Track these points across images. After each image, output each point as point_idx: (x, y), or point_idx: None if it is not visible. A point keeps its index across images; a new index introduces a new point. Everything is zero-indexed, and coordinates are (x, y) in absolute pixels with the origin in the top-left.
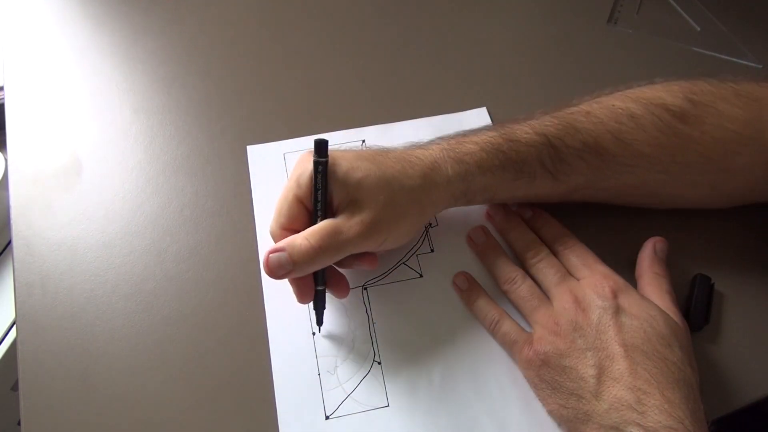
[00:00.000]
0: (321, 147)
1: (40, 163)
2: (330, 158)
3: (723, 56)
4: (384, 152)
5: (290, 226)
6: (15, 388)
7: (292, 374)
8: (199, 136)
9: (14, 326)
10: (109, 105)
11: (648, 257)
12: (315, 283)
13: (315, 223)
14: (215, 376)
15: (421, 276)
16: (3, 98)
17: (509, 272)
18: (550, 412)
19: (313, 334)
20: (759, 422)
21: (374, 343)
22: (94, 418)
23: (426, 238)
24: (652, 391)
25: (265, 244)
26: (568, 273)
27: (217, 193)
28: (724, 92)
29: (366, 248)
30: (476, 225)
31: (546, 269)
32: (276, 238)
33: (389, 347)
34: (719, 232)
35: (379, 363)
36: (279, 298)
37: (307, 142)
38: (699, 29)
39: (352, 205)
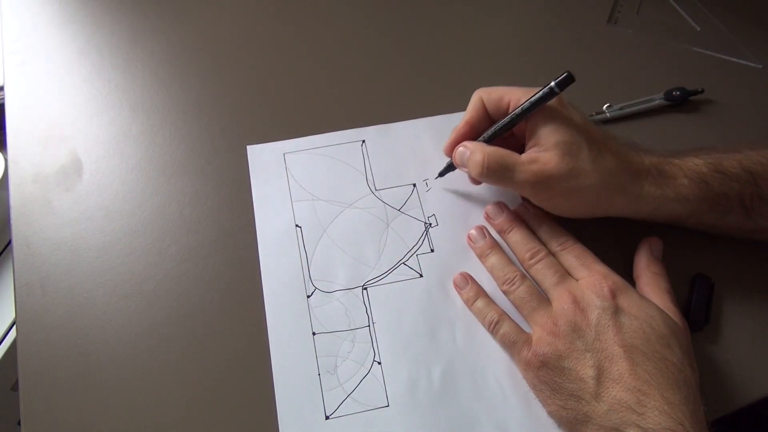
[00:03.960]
0: (567, 81)
1: (40, 163)
2: (560, 100)
3: (723, 56)
4: (606, 139)
5: (470, 120)
6: (15, 388)
7: (292, 374)
8: (199, 136)
9: (14, 326)
10: (109, 105)
11: (645, 257)
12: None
13: (493, 132)
14: (215, 376)
15: (421, 276)
16: (3, 98)
17: (508, 273)
18: (550, 413)
19: (314, 334)
20: (759, 424)
21: (374, 343)
22: (94, 418)
23: (426, 238)
24: (652, 392)
25: (265, 244)
26: (567, 273)
27: (217, 193)
28: None
29: (526, 195)
30: (476, 225)
31: (545, 270)
32: (456, 128)
33: (389, 347)
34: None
35: (379, 363)
36: (279, 298)
37: (307, 142)
38: (699, 29)
39: (541, 152)
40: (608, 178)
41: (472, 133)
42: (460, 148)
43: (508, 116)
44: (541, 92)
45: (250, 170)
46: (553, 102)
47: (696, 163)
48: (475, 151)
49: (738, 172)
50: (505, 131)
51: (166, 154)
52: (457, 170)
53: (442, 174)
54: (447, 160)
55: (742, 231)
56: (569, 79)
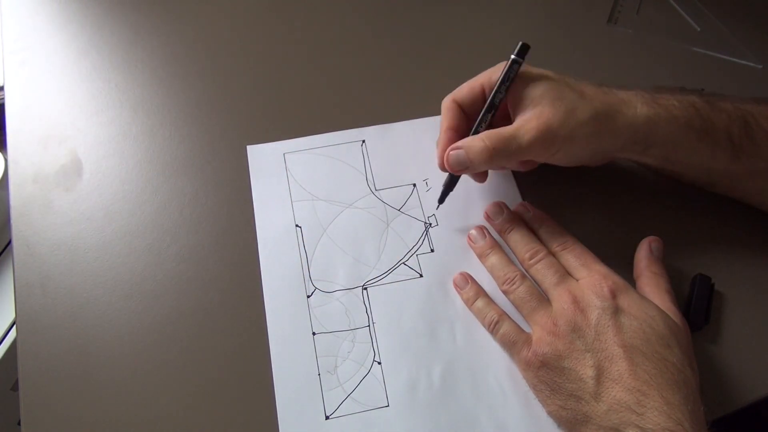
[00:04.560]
0: (523, 50)
1: (40, 163)
2: (525, 66)
3: (723, 56)
4: (577, 79)
5: (451, 125)
6: (15, 388)
7: (292, 374)
8: (199, 136)
9: (14, 326)
10: (109, 105)
11: (645, 257)
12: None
13: (481, 118)
14: (215, 376)
15: (421, 276)
16: (3, 98)
17: (508, 273)
18: (550, 413)
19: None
20: (759, 424)
21: (374, 343)
22: (94, 418)
23: (426, 238)
24: (652, 393)
25: (265, 244)
26: (567, 273)
27: (217, 193)
28: None
29: (537, 156)
30: (476, 225)
31: (545, 270)
32: (439, 141)
33: (389, 347)
34: (719, 232)
35: (379, 363)
36: (279, 298)
37: (307, 142)
38: (699, 29)
39: (531, 110)
40: (600, 108)
41: (456, 139)
42: (452, 152)
43: (489, 97)
44: (506, 66)
45: (250, 170)
46: (522, 71)
47: (687, 94)
48: (472, 144)
49: (728, 107)
50: (489, 113)
51: (166, 154)
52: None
53: (441, 200)
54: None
55: (733, 175)
56: (525, 47)
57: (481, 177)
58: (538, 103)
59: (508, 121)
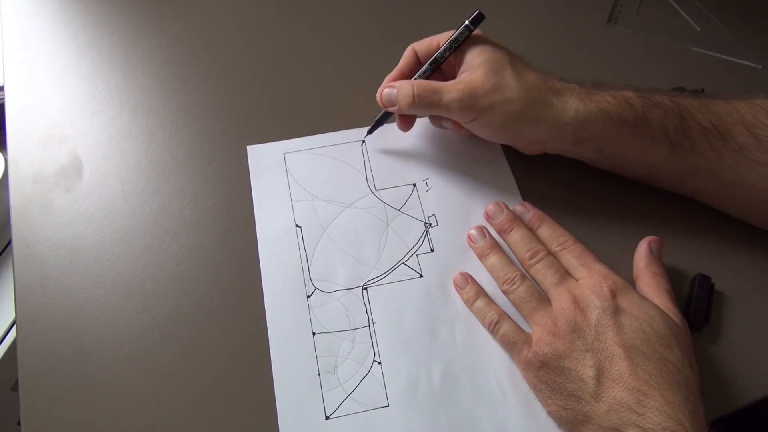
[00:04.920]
0: (478, 18)
1: (40, 163)
2: (483, 36)
3: (723, 56)
4: (527, 63)
5: (402, 68)
6: (15, 388)
7: (292, 374)
8: (199, 136)
9: (14, 326)
10: (109, 105)
11: (644, 257)
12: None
13: (423, 69)
14: (215, 376)
15: (421, 276)
16: (3, 98)
17: (508, 273)
18: (550, 414)
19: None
20: (759, 424)
21: (374, 343)
22: (94, 418)
23: (426, 238)
24: (652, 393)
25: (265, 244)
26: (567, 273)
27: (217, 193)
28: None
29: (458, 117)
30: (476, 225)
31: (545, 270)
32: (387, 77)
33: (389, 347)
34: (719, 232)
35: (379, 363)
36: (279, 298)
37: (307, 142)
38: (699, 29)
39: (466, 74)
40: (531, 92)
41: (401, 80)
42: (386, 89)
43: (436, 53)
44: (458, 30)
45: (250, 170)
46: (478, 34)
47: (623, 89)
48: (403, 85)
49: (664, 101)
50: (431, 67)
51: (166, 154)
52: (452, 165)
53: (371, 131)
54: (448, 157)
55: (672, 172)
56: (480, 16)
57: (404, 124)
58: (475, 71)
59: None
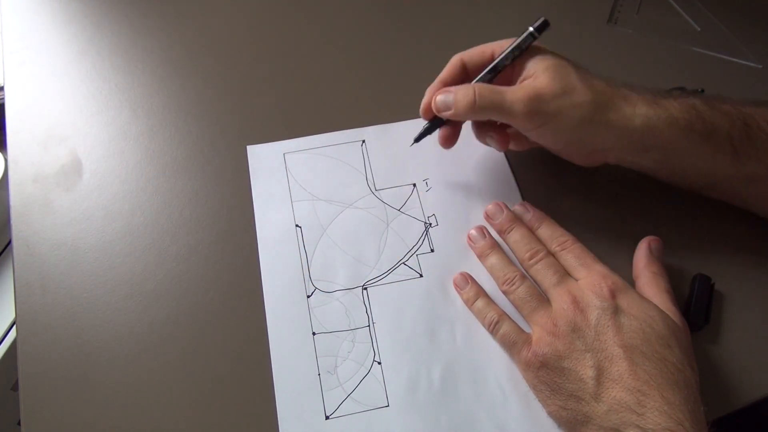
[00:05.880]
0: (543, 26)
1: (40, 163)
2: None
3: (723, 56)
4: (588, 70)
5: (445, 78)
6: (15, 388)
7: (292, 374)
8: (199, 136)
9: (14, 326)
10: (109, 105)
11: (644, 257)
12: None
13: (481, 75)
14: (215, 376)
15: (421, 276)
16: (3, 98)
17: (508, 273)
18: (550, 414)
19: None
20: (759, 424)
21: (374, 343)
22: (94, 418)
23: (426, 238)
24: (652, 393)
25: (265, 244)
26: (567, 273)
27: (217, 193)
28: None
29: (522, 124)
30: (476, 225)
31: (544, 270)
32: (429, 88)
33: (389, 347)
34: (719, 232)
35: (379, 363)
36: (279, 298)
37: (307, 142)
38: (699, 29)
39: (530, 80)
40: (600, 97)
41: None
42: (441, 95)
43: (494, 61)
44: (522, 36)
45: (250, 170)
46: (536, 47)
47: (688, 97)
48: (461, 88)
49: (729, 110)
50: (490, 74)
51: (166, 154)
52: (452, 165)
53: (418, 139)
54: (448, 157)
55: (733, 180)
56: (545, 24)
57: (449, 138)
58: (539, 76)
59: None
